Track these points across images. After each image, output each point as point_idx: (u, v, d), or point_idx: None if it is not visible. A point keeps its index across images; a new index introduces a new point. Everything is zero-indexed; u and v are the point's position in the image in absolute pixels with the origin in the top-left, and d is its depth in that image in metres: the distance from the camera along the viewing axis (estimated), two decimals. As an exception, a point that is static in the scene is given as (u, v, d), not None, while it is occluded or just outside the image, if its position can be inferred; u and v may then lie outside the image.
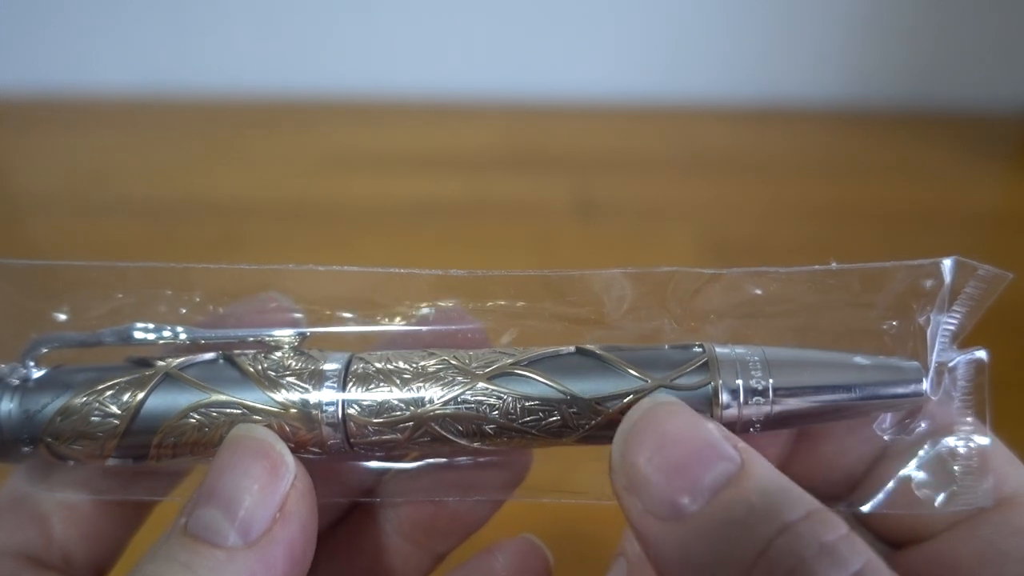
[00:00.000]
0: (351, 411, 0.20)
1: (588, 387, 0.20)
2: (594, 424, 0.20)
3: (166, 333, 0.21)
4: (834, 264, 0.21)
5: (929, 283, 0.21)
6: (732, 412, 0.20)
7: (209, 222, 0.57)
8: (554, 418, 0.20)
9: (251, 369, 0.20)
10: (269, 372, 0.20)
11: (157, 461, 0.20)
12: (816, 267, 0.21)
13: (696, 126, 0.70)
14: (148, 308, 0.21)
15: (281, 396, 0.20)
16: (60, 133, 0.68)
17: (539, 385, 0.20)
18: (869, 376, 0.20)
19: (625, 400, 0.20)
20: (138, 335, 0.21)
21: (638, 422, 0.18)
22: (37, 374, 0.21)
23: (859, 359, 0.20)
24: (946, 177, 0.63)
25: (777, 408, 0.20)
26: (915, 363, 0.20)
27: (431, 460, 0.22)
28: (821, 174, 0.64)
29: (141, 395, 0.20)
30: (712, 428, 0.18)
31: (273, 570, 0.18)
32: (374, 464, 0.23)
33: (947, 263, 0.21)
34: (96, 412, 0.20)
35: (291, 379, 0.20)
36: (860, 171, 0.65)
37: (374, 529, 0.24)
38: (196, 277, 0.21)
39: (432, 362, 0.20)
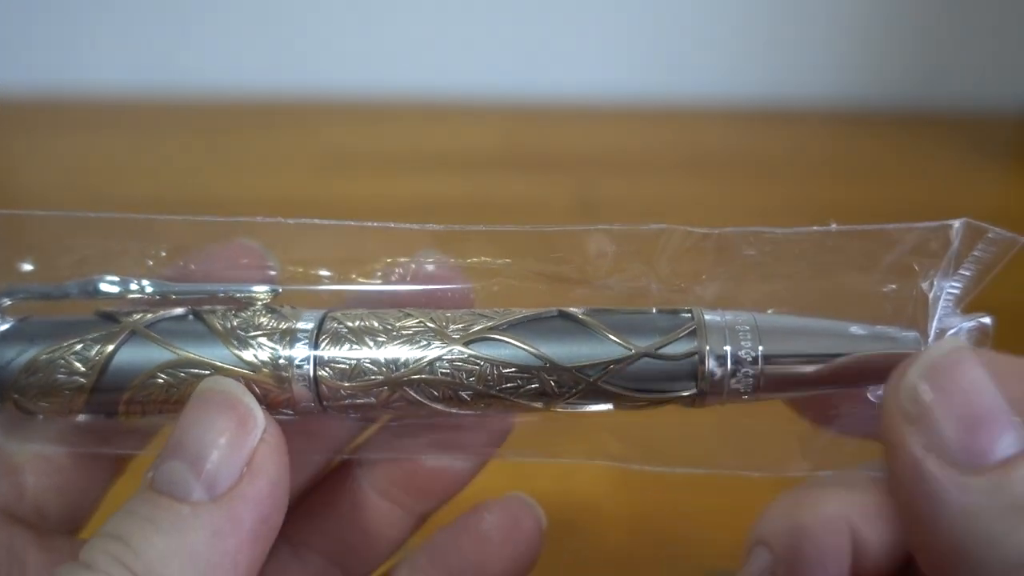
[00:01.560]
0: (323, 373, 0.19)
1: (569, 353, 0.19)
2: (576, 392, 0.19)
3: (133, 287, 0.21)
4: (833, 225, 0.21)
5: (934, 246, 0.20)
6: (719, 379, 0.19)
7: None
8: (533, 385, 0.19)
9: (219, 327, 0.20)
10: (239, 330, 0.20)
11: (127, 418, 0.20)
12: (815, 228, 0.21)
13: (697, 126, 0.70)
14: (115, 261, 0.21)
15: (250, 355, 0.19)
16: (58, 133, 0.68)
17: (518, 351, 0.19)
18: (864, 346, 0.19)
19: (608, 369, 0.19)
20: (104, 288, 0.21)
21: (946, 357, 0.17)
22: (2, 327, 0.20)
23: (855, 328, 0.20)
24: (947, 177, 0.63)
25: (766, 376, 0.19)
26: (913, 333, 0.20)
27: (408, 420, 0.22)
28: (822, 174, 0.64)
29: (108, 350, 0.19)
30: (1002, 396, 0.17)
31: (240, 526, 0.17)
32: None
33: (956, 224, 0.20)
34: (62, 369, 0.19)
35: (262, 338, 0.19)
36: (861, 171, 0.64)
37: (352, 487, 0.23)
38: (161, 229, 0.21)
39: (409, 323, 0.20)
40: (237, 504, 0.17)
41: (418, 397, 0.19)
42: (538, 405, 0.20)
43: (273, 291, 0.21)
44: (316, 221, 0.21)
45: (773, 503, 0.21)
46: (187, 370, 0.19)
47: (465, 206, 0.59)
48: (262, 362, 0.19)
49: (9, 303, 0.21)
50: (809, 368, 0.19)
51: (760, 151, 0.67)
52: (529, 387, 0.19)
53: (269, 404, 0.19)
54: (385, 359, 0.19)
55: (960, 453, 0.16)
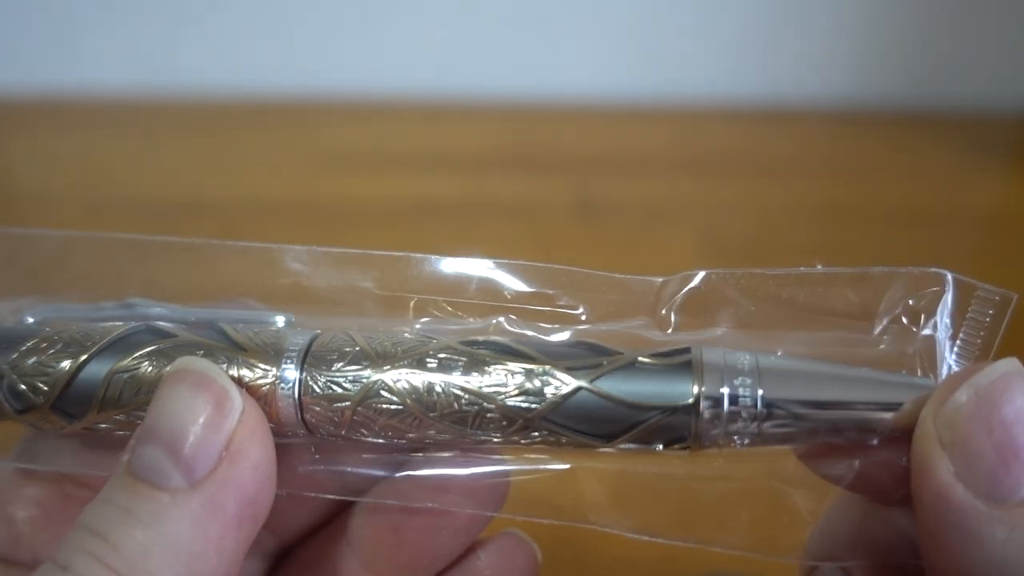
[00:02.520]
0: (309, 395, 0.19)
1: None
2: (567, 434, 0.19)
3: (156, 310, 0.21)
4: (819, 267, 0.20)
5: (929, 292, 0.19)
6: (714, 423, 0.18)
7: (207, 222, 0.57)
8: (512, 425, 0.19)
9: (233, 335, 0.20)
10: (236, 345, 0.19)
11: (104, 422, 0.20)
12: (801, 268, 0.20)
13: (697, 126, 0.70)
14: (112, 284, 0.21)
15: (235, 371, 0.19)
16: (59, 133, 0.68)
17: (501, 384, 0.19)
18: (875, 393, 0.18)
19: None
20: (138, 308, 0.21)
21: (995, 384, 0.16)
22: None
23: (865, 373, 0.19)
24: (947, 178, 0.63)
25: (766, 422, 0.18)
26: (929, 381, 0.19)
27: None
28: (822, 174, 0.64)
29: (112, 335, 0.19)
30: None
31: (222, 512, 0.16)
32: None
33: (948, 277, 0.19)
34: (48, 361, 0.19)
35: (251, 356, 0.19)
36: (861, 171, 0.64)
37: (336, 558, 0.22)
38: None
39: (399, 347, 0.20)
40: (218, 490, 0.17)
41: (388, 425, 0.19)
42: (519, 440, 0.19)
43: (289, 321, 0.21)
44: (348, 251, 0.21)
45: None
46: (178, 348, 0.19)
47: (464, 206, 0.59)
48: (248, 376, 0.19)
49: (33, 321, 0.21)
50: (814, 415, 0.18)
51: (760, 151, 0.67)
52: (507, 426, 0.19)
53: None
54: (361, 382, 0.19)
55: (991, 485, 0.15)
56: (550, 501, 0.21)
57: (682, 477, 0.20)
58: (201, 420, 0.17)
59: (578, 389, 0.19)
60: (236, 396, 0.18)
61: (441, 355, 0.19)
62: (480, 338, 0.20)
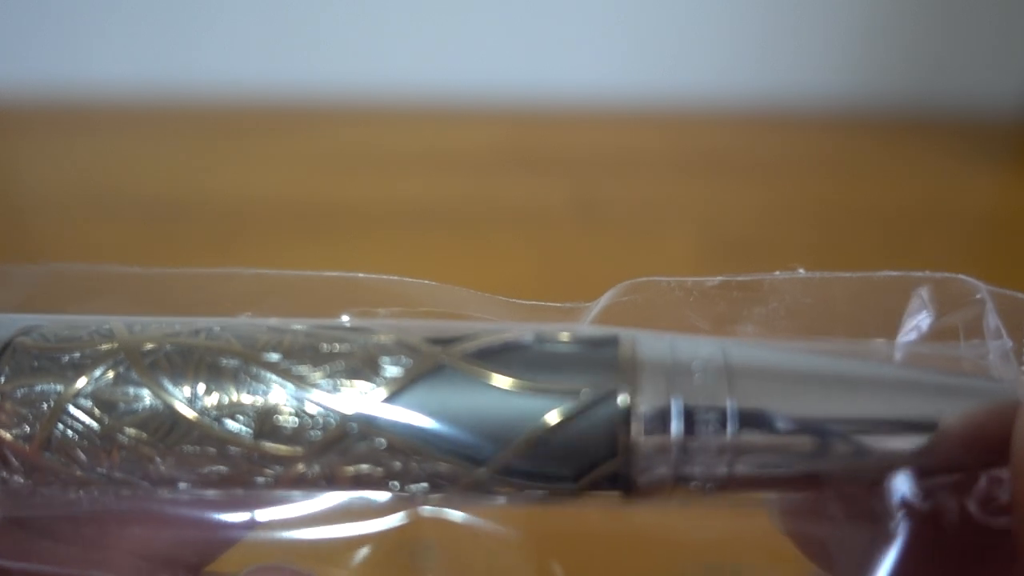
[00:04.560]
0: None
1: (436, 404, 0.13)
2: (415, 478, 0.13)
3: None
4: (801, 271, 0.15)
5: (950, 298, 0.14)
6: (657, 455, 0.12)
7: (209, 224, 0.57)
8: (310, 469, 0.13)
9: None
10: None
11: None
12: (777, 273, 0.15)
13: (697, 127, 0.69)
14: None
15: None
16: (64, 135, 0.68)
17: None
18: (923, 402, 0.12)
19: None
20: None
21: None
22: None
23: (893, 372, 0.12)
24: (945, 179, 0.63)
25: (741, 456, 0.11)
26: (1005, 383, 0.13)
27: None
28: (822, 176, 0.63)
29: None
30: None
31: None
32: None
33: (980, 288, 0.14)
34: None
35: None
36: (860, 173, 0.64)
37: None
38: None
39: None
40: None
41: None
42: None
43: None
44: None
45: None
46: None
47: (463, 207, 0.59)
48: None
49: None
50: (824, 441, 0.11)
51: (760, 153, 0.67)
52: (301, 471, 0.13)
53: None
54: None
55: None
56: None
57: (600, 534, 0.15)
58: None
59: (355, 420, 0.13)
60: None
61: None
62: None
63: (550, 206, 0.59)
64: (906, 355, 0.15)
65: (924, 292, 0.15)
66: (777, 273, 0.16)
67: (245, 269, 0.18)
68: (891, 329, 0.16)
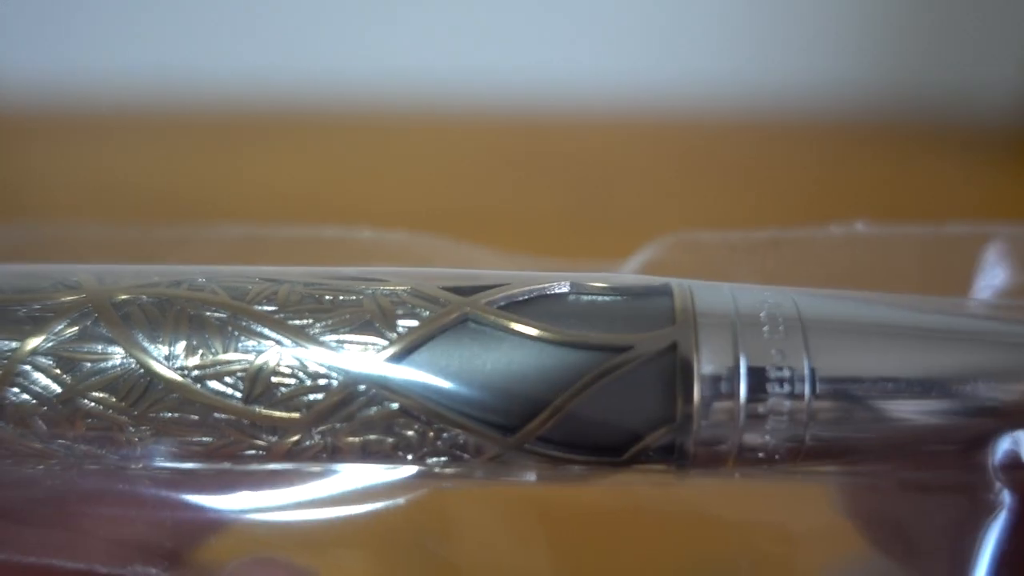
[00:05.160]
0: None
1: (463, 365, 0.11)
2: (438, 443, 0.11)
3: None
4: (859, 226, 0.15)
5: None
6: (723, 426, 0.10)
7: (209, 227, 0.56)
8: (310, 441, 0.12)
9: None
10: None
11: None
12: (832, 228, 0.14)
13: (692, 131, 0.69)
14: None
15: None
16: (72, 141, 0.67)
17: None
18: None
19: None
20: None
21: None
22: None
23: (994, 325, 0.11)
24: (940, 182, 0.63)
25: (815, 423, 0.10)
26: None
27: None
28: (818, 179, 0.64)
29: None
30: None
31: None
32: None
33: None
34: None
35: None
36: (856, 176, 0.64)
37: None
38: None
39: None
40: None
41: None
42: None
43: None
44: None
45: None
46: None
47: (463, 209, 0.58)
48: None
49: None
50: (911, 406, 0.10)
51: (756, 156, 0.67)
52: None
53: None
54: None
55: None
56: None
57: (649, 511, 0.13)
58: None
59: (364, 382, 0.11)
60: None
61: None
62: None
63: (550, 208, 0.58)
64: (982, 309, 0.13)
65: (996, 248, 0.14)
66: (832, 228, 0.14)
67: (234, 226, 0.16)
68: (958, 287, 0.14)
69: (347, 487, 0.12)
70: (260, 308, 0.12)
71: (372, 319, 0.12)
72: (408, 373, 0.12)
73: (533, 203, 0.59)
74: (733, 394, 0.10)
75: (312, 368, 0.12)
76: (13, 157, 0.65)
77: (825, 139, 0.68)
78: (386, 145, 0.67)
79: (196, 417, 0.12)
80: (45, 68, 0.70)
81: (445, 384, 0.11)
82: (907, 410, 0.10)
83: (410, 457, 0.12)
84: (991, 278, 0.14)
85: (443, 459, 0.12)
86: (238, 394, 0.12)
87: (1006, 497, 0.11)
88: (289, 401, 0.12)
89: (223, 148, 0.66)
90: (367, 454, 0.12)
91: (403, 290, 0.12)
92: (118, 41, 0.71)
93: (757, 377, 0.10)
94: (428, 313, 0.12)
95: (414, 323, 0.12)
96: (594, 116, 0.70)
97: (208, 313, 0.12)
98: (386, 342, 0.12)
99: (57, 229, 0.18)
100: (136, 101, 0.69)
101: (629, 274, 0.13)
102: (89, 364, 0.12)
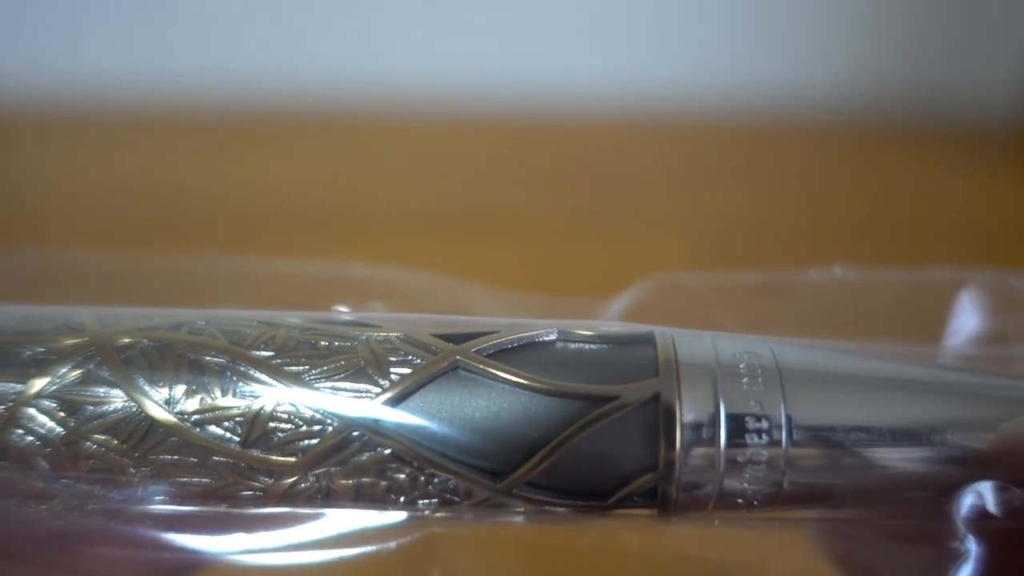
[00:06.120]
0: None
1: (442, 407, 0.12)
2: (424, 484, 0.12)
3: None
4: (837, 270, 0.15)
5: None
6: (700, 469, 0.10)
7: (209, 229, 0.56)
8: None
9: None
10: None
11: None
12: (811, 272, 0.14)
13: (692, 134, 0.69)
14: None
15: None
16: (72, 141, 0.67)
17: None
18: (1003, 409, 0.10)
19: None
20: None
21: None
22: None
23: (969, 377, 0.11)
24: (939, 185, 0.63)
25: (791, 470, 0.10)
26: None
27: None
28: (817, 182, 0.64)
29: None
30: None
31: None
32: None
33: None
34: None
35: None
36: (854, 179, 0.64)
37: None
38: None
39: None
40: None
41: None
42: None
43: None
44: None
45: None
46: None
47: (462, 212, 0.58)
48: None
49: None
50: (883, 454, 0.10)
51: (755, 160, 0.67)
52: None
53: None
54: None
55: None
56: None
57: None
58: None
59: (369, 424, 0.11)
60: None
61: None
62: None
63: (549, 211, 0.58)
64: (954, 359, 0.14)
65: (970, 293, 0.14)
66: (812, 273, 0.15)
67: (228, 259, 0.17)
68: (934, 332, 0.15)
69: (340, 530, 0.13)
70: (258, 354, 0.12)
71: (366, 366, 0.12)
72: (400, 419, 0.12)
73: (533, 203, 0.59)
74: (714, 441, 0.11)
75: (308, 414, 0.12)
76: (13, 157, 0.65)
77: (825, 139, 0.68)
78: (386, 146, 0.66)
79: (195, 460, 0.12)
80: (45, 68, 0.69)
81: (436, 430, 0.12)
82: (880, 458, 0.11)
83: (402, 500, 0.12)
84: (964, 323, 0.14)
85: (434, 502, 0.12)
86: (236, 438, 0.12)
87: (972, 546, 0.11)
88: (285, 446, 0.12)
89: (223, 148, 0.66)
90: (360, 497, 0.12)
91: (396, 336, 0.13)
92: (118, 41, 0.71)
93: (736, 425, 0.11)
94: (420, 361, 0.12)
95: (406, 371, 0.12)
96: (594, 117, 0.70)
97: (207, 358, 0.12)
98: (379, 389, 0.12)
99: (58, 257, 0.18)
100: (136, 101, 0.69)
101: (614, 322, 0.13)
102: (91, 407, 0.12)
